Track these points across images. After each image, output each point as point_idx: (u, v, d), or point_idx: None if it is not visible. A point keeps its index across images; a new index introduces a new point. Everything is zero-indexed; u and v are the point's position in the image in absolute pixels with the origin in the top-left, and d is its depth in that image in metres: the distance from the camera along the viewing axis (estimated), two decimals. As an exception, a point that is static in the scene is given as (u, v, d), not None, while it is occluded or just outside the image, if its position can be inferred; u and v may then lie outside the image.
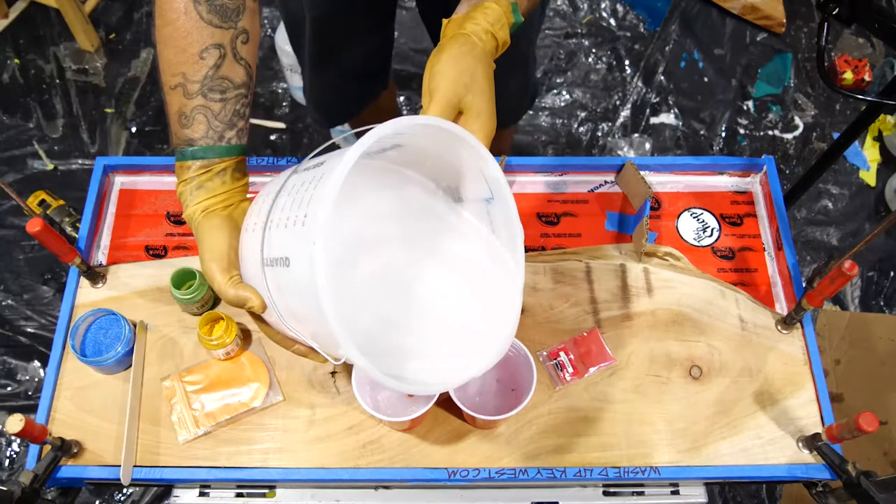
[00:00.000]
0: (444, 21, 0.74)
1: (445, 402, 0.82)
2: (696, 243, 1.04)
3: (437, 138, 0.64)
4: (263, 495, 0.93)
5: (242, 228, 0.69)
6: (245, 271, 0.68)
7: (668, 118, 2.09)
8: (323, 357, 0.68)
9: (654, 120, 2.08)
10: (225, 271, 0.67)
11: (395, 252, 0.75)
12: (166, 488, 0.97)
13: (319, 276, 0.54)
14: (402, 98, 2.09)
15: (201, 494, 0.93)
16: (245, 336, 0.94)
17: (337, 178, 0.56)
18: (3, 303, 1.75)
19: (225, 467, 0.86)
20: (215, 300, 0.97)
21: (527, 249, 1.02)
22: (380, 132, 0.58)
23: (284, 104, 2.07)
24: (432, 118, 0.62)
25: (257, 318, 0.71)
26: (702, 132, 2.07)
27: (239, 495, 0.93)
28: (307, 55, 1.20)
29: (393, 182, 0.74)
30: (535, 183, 1.08)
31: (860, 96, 1.06)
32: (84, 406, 0.90)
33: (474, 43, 0.70)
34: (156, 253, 1.02)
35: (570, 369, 0.92)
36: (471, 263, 0.74)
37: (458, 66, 0.67)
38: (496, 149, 1.70)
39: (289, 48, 1.84)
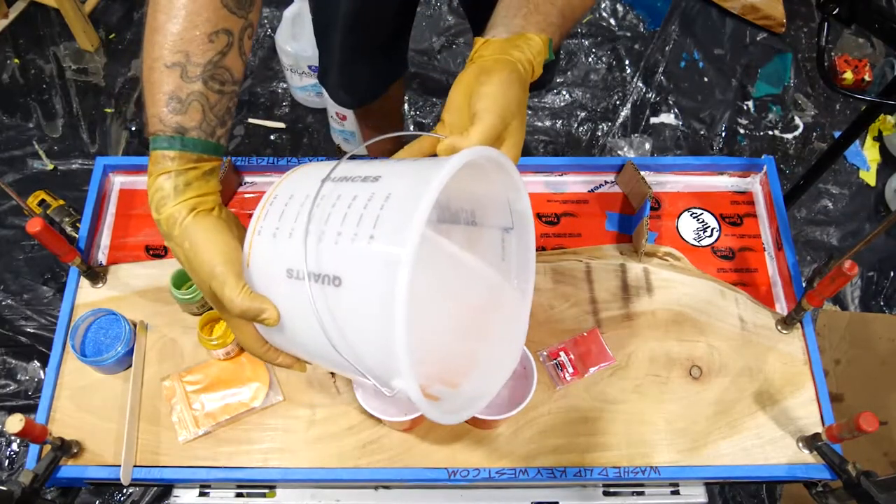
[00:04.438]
0: (480, 39, 0.72)
1: (445, 402, 0.81)
2: (696, 243, 1.04)
3: (480, 165, 0.60)
4: (263, 495, 0.94)
5: (251, 231, 0.63)
6: (256, 280, 0.61)
7: (668, 118, 2.08)
8: (303, 366, 0.68)
9: (654, 120, 2.08)
10: (239, 277, 0.61)
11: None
12: (166, 488, 0.97)
13: (401, 309, 0.50)
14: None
15: (201, 494, 0.93)
16: (245, 336, 0.94)
17: (427, 206, 0.50)
18: (3, 303, 1.75)
19: (225, 467, 0.86)
20: (215, 300, 0.97)
21: (527, 249, 1.02)
22: (460, 159, 0.53)
23: (284, 104, 2.07)
24: (494, 151, 0.59)
25: (238, 325, 0.65)
26: (702, 132, 2.07)
27: (239, 495, 0.93)
28: (339, 29, 1.19)
29: None
30: (535, 183, 1.08)
31: (860, 96, 1.07)
32: (84, 406, 0.90)
33: (521, 72, 0.67)
34: (156, 253, 1.02)
35: (570, 369, 0.92)
36: (480, 290, 0.73)
37: (508, 93, 0.65)
38: None
39: (289, 48, 1.83)
